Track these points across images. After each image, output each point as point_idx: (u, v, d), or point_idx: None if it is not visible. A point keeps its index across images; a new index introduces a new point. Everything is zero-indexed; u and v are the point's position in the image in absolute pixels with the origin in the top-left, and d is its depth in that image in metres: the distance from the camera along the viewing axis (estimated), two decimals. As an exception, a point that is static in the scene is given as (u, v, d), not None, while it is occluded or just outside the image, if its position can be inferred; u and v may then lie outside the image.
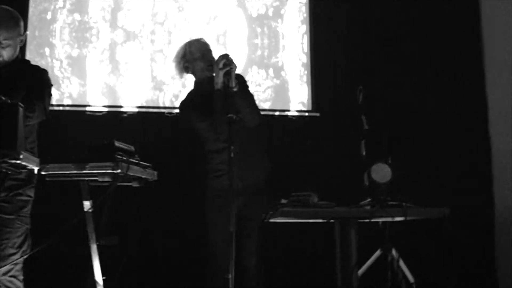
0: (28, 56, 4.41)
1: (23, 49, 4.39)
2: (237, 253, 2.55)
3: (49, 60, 4.65)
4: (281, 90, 4.98)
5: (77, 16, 4.75)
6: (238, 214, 2.95)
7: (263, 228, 2.97)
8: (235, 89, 3.10)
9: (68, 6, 4.74)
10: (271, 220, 2.86)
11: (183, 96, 3.56)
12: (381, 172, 3.19)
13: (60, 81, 4.64)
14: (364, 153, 3.86)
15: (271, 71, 4.97)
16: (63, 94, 4.65)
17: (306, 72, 5.02)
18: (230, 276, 2.50)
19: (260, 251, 3.16)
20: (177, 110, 4.02)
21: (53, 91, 3.21)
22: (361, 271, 3.80)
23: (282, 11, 5.06)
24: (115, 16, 4.79)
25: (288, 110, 4.96)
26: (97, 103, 4.68)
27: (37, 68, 3.21)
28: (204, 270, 3.21)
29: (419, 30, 5.10)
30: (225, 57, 3.11)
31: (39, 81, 3.10)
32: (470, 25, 5.21)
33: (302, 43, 5.07)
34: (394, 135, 3.97)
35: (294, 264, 4.58)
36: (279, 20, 5.05)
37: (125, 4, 4.81)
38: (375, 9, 5.08)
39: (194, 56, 3.36)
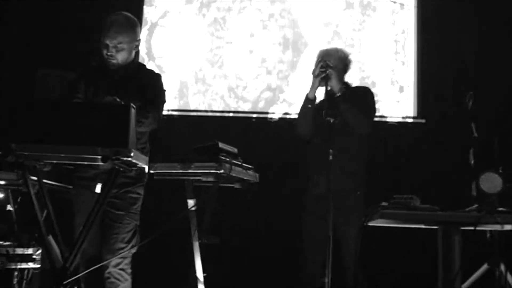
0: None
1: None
2: (336, 257, 2.53)
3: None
4: (387, 95, 4.89)
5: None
6: (334, 219, 2.93)
7: (363, 232, 2.91)
8: (338, 94, 3.10)
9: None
10: (371, 224, 2.80)
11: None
12: (491, 182, 3.02)
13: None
14: (472, 161, 3.70)
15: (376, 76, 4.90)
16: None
17: (412, 77, 4.89)
18: (326, 280, 2.49)
19: (359, 255, 3.11)
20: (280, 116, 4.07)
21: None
22: (465, 285, 3.62)
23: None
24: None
25: (393, 117, 4.86)
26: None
27: (151, 72, 3.32)
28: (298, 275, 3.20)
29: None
30: (321, 63, 3.13)
31: (154, 85, 3.21)
32: None
33: (408, 47, 4.95)
34: (505, 143, 3.77)
35: (394, 271, 4.47)
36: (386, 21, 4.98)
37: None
38: (486, 10, 4.85)
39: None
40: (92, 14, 4.45)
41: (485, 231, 3.68)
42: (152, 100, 3.10)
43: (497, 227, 3.08)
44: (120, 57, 3.13)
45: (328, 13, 4.95)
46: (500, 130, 4.09)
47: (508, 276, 3.65)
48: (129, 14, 3.19)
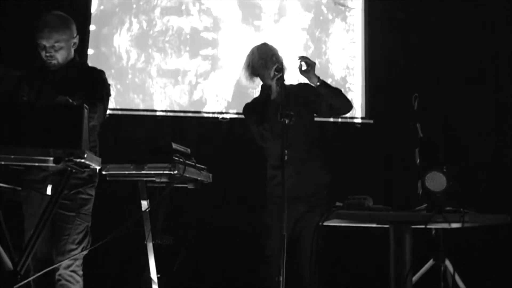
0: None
1: (84, 49, 4.62)
2: (292, 257, 2.57)
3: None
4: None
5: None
6: (295, 219, 2.99)
7: (319, 232, 2.96)
8: (317, 84, 3.23)
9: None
10: (326, 224, 2.86)
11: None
12: (436, 181, 3.12)
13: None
14: (418, 161, 3.82)
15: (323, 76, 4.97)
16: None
17: (359, 78, 5.00)
18: (281, 278, 2.52)
19: (315, 255, 3.17)
20: (231, 116, 4.08)
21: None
22: (412, 280, 3.74)
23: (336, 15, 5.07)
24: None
25: (341, 118, 4.94)
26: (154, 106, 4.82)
27: (94, 69, 3.31)
28: (256, 273, 3.23)
29: (477, 38, 4.99)
30: (276, 65, 3.18)
31: (98, 82, 3.20)
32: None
33: (355, 48, 5.05)
34: (450, 143, 3.91)
35: (348, 269, 4.57)
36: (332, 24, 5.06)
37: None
38: (431, 12, 5.01)
39: (259, 63, 3.38)
40: (37, 11, 4.37)
41: (430, 228, 3.81)
42: (97, 94, 3.09)
43: (445, 225, 3.20)
44: (60, 57, 3.12)
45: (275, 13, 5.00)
46: (444, 130, 4.24)
47: (452, 270, 3.79)
48: (61, 13, 3.17)
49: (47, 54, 3.08)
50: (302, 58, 3.24)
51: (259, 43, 3.50)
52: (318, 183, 3.32)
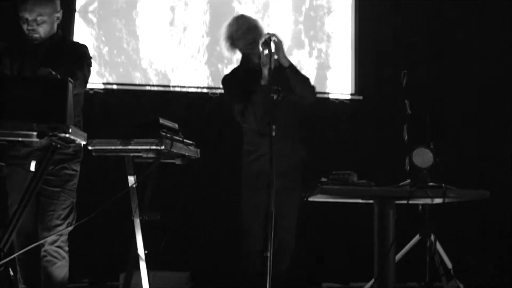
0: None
1: (69, 26, 4.54)
2: (274, 232, 2.56)
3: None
4: (323, 72, 4.95)
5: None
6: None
7: (302, 207, 2.97)
8: (286, 65, 3.12)
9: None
10: (311, 199, 2.86)
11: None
12: (423, 157, 3.14)
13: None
14: (406, 137, 3.82)
15: (314, 52, 4.95)
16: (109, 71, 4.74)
17: (350, 55, 4.97)
18: (269, 254, 2.52)
19: (297, 230, 3.18)
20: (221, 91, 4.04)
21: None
22: (399, 255, 3.78)
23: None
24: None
25: (331, 93, 4.94)
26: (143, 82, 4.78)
27: (76, 43, 3.27)
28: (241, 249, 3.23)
29: (467, 16, 4.98)
30: (266, 47, 3.08)
31: (79, 54, 3.14)
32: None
33: (345, 25, 5.01)
34: (437, 120, 3.91)
35: (332, 245, 4.61)
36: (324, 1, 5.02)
37: None
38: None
39: (238, 33, 3.29)
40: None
41: (417, 204, 3.83)
42: (77, 62, 3.04)
43: (428, 201, 3.22)
44: (42, 30, 3.06)
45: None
46: (432, 107, 4.24)
47: (438, 245, 3.84)
48: None
49: (29, 28, 3.02)
50: (272, 35, 3.07)
51: (236, 15, 3.44)
52: (294, 161, 3.28)
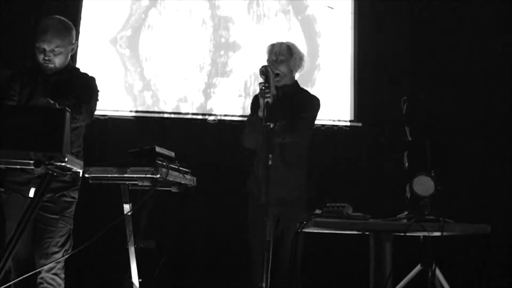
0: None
1: (73, 56, 4.58)
2: (272, 262, 2.55)
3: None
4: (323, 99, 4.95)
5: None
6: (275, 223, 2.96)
7: (297, 238, 2.94)
8: (275, 125, 3.14)
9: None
10: (305, 230, 2.84)
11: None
12: (424, 185, 3.12)
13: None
14: (406, 165, 3.81)
15: (313, 79, 4.97)
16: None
17: (349, 81, 4.99)
18: (264, 285, 2.50)
19: (294, 261, 3.15)
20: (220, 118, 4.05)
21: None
22: (400, 286, 3.73)
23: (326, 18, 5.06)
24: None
25: (330, 120, 4.94)
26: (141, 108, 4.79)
27: (85, 75, 3.32)
28: (238, 281, 3.21)
29: (468, 40, 5.00)
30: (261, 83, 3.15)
31: (87, 86, 3.20)
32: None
33: (345, 51, 5.04)
34: (438, 148, 3.89)
35: (329, 275, 4.55)
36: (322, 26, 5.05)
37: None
38: (421, 15, 5.01)
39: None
40: (28, 13, 4.37)
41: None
42: (85, 95, 3.10)
43: (426, 233, 3.19)
44: (58, 61, 3.13)
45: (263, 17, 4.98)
46: (433, 134, 4.23)
47: (440, 275, 3.79)
48: (63, 18, 3.19)
49: (46, 58, 3.09)
50: (268, 66, 3.19)
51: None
52: (290, 188, 3.28)
